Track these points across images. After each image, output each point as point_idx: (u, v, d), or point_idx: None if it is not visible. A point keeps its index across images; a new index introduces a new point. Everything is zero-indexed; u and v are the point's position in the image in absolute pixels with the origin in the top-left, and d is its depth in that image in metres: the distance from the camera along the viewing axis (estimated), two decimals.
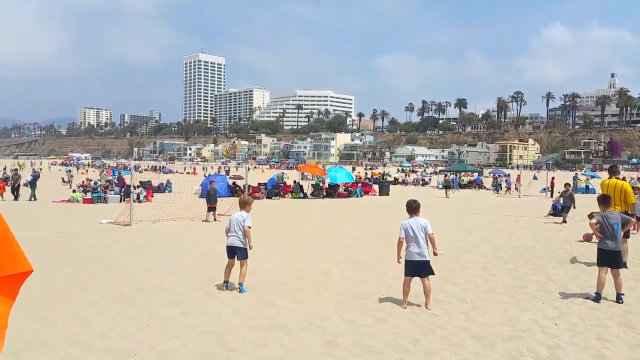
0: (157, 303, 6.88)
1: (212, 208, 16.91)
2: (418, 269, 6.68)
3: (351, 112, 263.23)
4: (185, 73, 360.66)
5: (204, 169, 75.88)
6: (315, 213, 20.98)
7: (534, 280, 8.53)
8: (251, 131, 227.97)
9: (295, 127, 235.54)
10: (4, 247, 2.28)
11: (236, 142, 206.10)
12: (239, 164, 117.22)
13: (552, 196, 31.50)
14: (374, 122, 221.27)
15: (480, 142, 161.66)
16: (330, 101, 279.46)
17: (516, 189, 37.00)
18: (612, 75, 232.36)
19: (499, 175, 51.13)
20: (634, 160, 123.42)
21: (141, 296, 7.23)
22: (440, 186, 44.14)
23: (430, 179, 55.27)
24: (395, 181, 50.99)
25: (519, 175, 40.10)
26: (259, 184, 31.22)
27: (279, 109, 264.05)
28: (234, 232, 7.43)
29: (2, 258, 2.28)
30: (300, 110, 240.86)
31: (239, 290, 7.47)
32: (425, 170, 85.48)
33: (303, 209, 22.68)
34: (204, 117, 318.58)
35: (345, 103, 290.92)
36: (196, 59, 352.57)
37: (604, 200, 7.40)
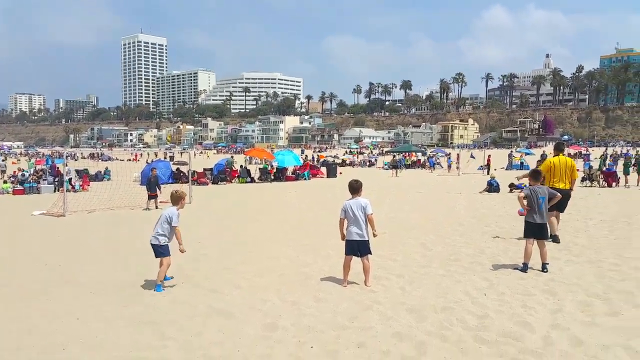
0: (90, 296, 6.67)
1: (153, 196, 16.48)
2: (357, 248, 6.82)
3: (300, 94, 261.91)
4: (124, 55, 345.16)
5: (148, 155, 73.62)
6: (263, 197, 20.91)
7: (468, 253, 8.90)
8: (197, 115, 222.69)
9: (243, 111, 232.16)
10: None
11: (181, 126, 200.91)
12: (184, 149, 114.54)
13: (488, 173, 32.87)
14: (323, 104, 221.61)
15: (424, 123, 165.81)
16: (279, 84, 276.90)
17: (457, 167, 38.36)
18: (547, 56, 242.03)
19: (435, 154, 53.48)
20: (566, 137, 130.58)
21: (74, 290, 6.98)
22: (386, 167, 45.22)
23: (376, 160, 56.22)
24: (343, 163, 51.58)
25: (458, 154, 41.61)
26: (205, 169, 30.67)
27: (226, 92, 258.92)
28: (155, 229, 7.03)
29: None
30: (247, 93, 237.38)
31: (154, 289, 6.85)
32: (372, 152, 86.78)
33: (250, 194, 22.55)
34: (145, 101, 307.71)
35: (293, 85, 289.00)
36: (135, 39, 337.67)
37: (534, 175, 7.78)
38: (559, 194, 7.80)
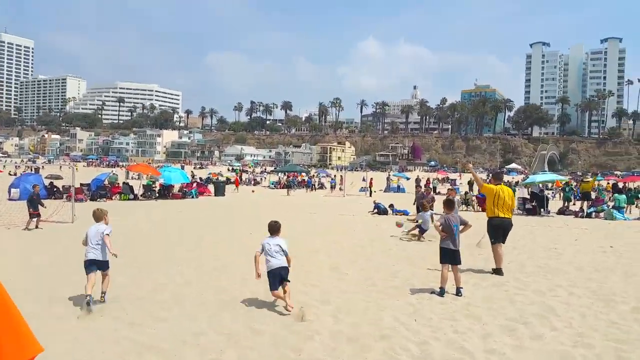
0: None
1: (35, 214, 14.77)
2: (280, 275, 7.00)
3: (178, 108, 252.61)
4: None
5: (5, 166, 65.65)
6: (151, 216, 19.76)
7: (381, 277, 9.14)
8: (64, 124, 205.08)
9: (116, 122, 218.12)
10: (4, 328, 1.71)
11: (46, 135, 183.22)
12: (49, 160, 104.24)
13: (370, 195, 34.98)
14: (203, 120, 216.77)
15: (304, 144, 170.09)
16: (156, 96, 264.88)
17: (340, 189, 39.93)
18: (415, 87, 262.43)
19: (317, 174, 55.77)
20: (432, 162, 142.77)
21: None
22: (272, 186, 45.69)
23: (262, 179, 56.27)
24: (228, 181, 50.77)
25: (342, 176, 43.42)
26: (82, 184, 28.19)
27: (98, 100, 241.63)
28: (93, 246, 7.06)
29: (3, 345, 1.71)
30: (122, 104, 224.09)
31: (102, 299, 7.12)
32: (254, 170, 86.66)
33: (136, 212, 21.15)
34: (6, 106, 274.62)
35: (172, 99, 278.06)
36: None
37: (448, 204, 8.38)
38: (470, 223, 8.48)
